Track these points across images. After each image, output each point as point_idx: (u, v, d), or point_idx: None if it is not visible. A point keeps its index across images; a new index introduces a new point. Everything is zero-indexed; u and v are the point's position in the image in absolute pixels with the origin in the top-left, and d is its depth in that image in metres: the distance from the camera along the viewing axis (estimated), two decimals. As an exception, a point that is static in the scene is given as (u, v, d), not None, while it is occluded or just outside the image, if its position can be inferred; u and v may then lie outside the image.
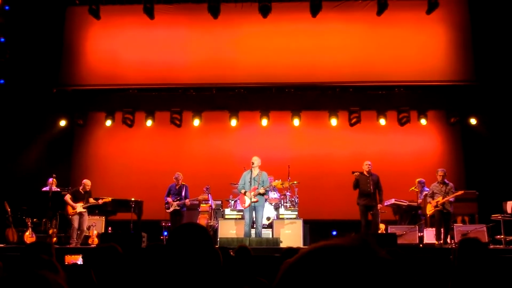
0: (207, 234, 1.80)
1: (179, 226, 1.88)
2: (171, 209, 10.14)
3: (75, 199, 9.66)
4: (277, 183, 9.47)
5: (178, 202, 10.12)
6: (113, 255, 3.11)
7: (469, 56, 12.08)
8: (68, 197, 9.68)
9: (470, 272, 3.12)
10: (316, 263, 0.75)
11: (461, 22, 12.22)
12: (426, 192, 9.69)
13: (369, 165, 9.41)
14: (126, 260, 3.08)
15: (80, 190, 9.78)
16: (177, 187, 10.27)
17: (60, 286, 0.96)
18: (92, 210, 10.24)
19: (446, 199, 9.06)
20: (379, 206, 9.43)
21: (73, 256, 5.66)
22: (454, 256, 3.29)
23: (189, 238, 1.75)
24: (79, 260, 5.55)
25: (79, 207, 9.59)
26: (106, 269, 3.04)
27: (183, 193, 10.20)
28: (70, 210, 9.62)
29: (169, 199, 10.19)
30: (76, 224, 9.53)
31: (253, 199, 8.89)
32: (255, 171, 9.10)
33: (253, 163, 9.05)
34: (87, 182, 9.91)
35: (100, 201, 9.88)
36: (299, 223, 9.55)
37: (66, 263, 5.58)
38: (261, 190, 9.03)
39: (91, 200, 9.76)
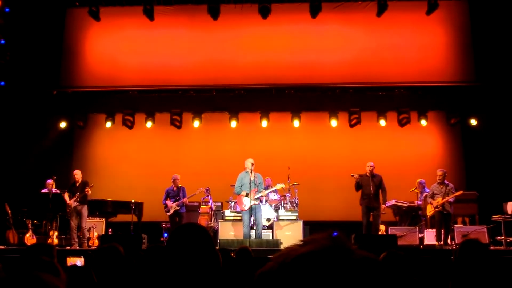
0: (207, 234, 1.79)
1: (179, 226, 1.86)
2: (172, 211, 10.05)
3: (72, 194, 9.40)
4: (280, 186, 9.40)
5: (177, 202, 10.06)
6: (115, 256, 3.10)
7: (469, 57, 12.08)
8: (65, 195, 9.47)
9: (470, 273, 3.11)
10: (290, 277, 0.73)
11: (461, 23, 12.23)
12: (427, 193, 9.68)
13: (371, 166, 9.37)
14: (127, 261, 3.07)
15: (74, 183, 9.51)
16: (174, 189, 10.22)
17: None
18: (93, 211, 10.15)
19: (445, 199, 9.04)
20: (382, 206, 9.40)
21: (74, 258, 5.65)
22: (455, 256, 3.27)
23: (189, 239, 1.73)
24: (78, 262, 5.54)
25: (72, 202, 9.33)
26: (108, 269, 3.03)
27: (181, 194, 10.17)
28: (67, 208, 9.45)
29: (169, 202, 10.09)
30: (73, 223, 9.29)
31: (253, 202, 8.83)
32: (253, 173, 9.01)
33: (252, 165, 8.92)
34: (75, 172, 9.63)
35: (87, 190, 9.30)
36: (299, 224, 9.53)
37: (68, 264, 5.58)
38: (263, 193, 9.00)
39: (87, 190, 9.29)
